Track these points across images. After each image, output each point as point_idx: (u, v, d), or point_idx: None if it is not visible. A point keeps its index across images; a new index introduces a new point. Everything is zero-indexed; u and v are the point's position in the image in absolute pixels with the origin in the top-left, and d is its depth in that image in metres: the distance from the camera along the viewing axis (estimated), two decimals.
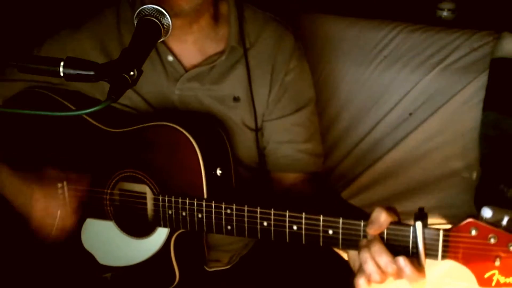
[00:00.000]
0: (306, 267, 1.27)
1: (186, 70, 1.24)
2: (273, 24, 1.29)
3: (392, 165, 1.78)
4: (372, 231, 0.94)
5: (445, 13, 2.23)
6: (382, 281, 0.93)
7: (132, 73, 0.89)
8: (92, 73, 0.88)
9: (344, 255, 1.19)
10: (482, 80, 1.74)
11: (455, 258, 0.91)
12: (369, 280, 0.93)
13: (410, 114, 1.82)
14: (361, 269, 0.94)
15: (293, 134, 1.28)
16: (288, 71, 1.27)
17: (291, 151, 1.28)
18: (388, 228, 0.94)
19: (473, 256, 0.90)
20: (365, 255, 0.93)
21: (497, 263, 0.88)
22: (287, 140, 1.28)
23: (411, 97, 1.83)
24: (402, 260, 0.90)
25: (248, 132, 1.27)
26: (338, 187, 1.80)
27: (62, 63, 0.88)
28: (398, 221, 0.95)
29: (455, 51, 1.82)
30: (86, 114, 1.19)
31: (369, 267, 0.93)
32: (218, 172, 1.14)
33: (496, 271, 0.89)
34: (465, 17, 2.20)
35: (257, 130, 1.27)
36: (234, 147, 1.25)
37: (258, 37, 1.26)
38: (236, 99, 1.25)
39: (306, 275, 1.25)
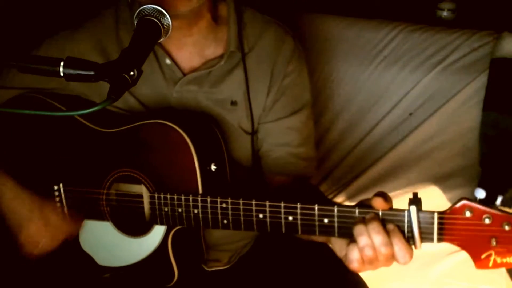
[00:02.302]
0: (305, 267, 1.27)
1: (184, 73, 1.23)
2: (272, 27, 1.28)
3: (392, 165, 1.78)
4: (379, 201, 0.94)
5: (445, 13, 2.23)
6: (373, 260, 0.92)
7: (132, 73, 0.89)
8: (92, 73, 0.88)
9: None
10: (482, 80, 1.74)
11: (451, 240, 0.92)
12: (362, 257, 0.93)
13: (410, 114, 1.82)
14: (353, 243, 0.94)
15: (287, 137, 1.28)
16: (287, 74, 1.26)
17: (284, 154, 1.28)
18: (383, 213, 0.94)
19: (469, 238, 0.90)
20: (361, 228, 0.93)
21: (493, 243, 0.89)
22: (281, 143, 1.28)
23: (411, 97, 1.83)
24: (399, 243, 0.92)
25: (245, 135, 1.27)
26: (338, 187, 1.80)
27: (62, 63, 0.88)
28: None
29: (455, 51, 1.82)
30: (80, 115, 1.20)
31: (364, 240, 0.92)
32: (213, 167, 1.14)
33: (492, 252, 0.90)
34: (465, 17, 2.21)
35: (253, 134, 1.27)
36: (231, 149, 1.25)
37: (257, 40, 1.26)
38: (233, 103, 1.25)
39: (305, 274, 1.25)
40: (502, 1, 2.10)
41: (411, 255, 0.93)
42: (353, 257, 0.93)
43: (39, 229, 1.18)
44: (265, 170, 1.31)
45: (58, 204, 1.23)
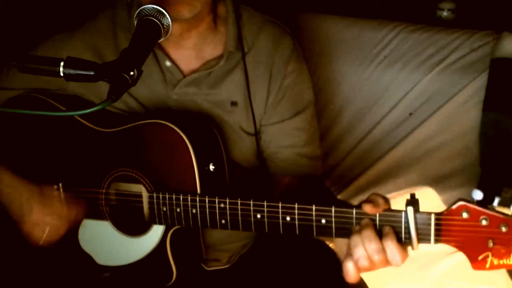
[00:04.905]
0: (305, 267, 1.27)
1: (184, 75, 1.23)
2: (270, 27, 1.27)
3: (392, 165, 1.78)
4: (369, 207, 0.94)
5: (445, 13, 2.24)
6: (369, 268, 0.94)
7: (132, 73, 0.89)
8: (92, 73, 0.88)
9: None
10: (482, 80, 1.74)
11: (448, 241, 0.92)
12: (357, 266, 0.93)
13: (410, 114, 1.82)
14: (350, 253, 0.95)
15: (293, 138, 1.28)
16: (287, 74, 1.26)
17: (290, 155, 1.28)
18: (380, 215, 0.95)
19: (466, 239, 0.90)
20: (356, 239, 0.94)
21: (490, 244, 0.89)
22: (287, 145, 1.27)
23: (411, 97, 1.84)
24: (391, 246, 0.92)
25: (245, 136, 1.27)
26: (338, 187, 1.80)
27: (62, 63, 0.88)
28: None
29: (455, 51, 1.82)
30: (79, 115, 1.20)
31: (358, 251, 0.93)
32: (211, 167, 1.14)
33: (489, 253, 0.90)
34: (465, 17, 2.21)
35: (256, 135, 1.27)
36: (231, 150, 1.24)
37: (255, 40, 1.25)
38: (233, 103, 1.24)
39: (305, 274, 1.25)
40: (502, 1, 2.10)
41: (403, 258, 0.93)
42: (349, 270, 0.94)
43: (41, 215, 1.17)
44: (272, 172, 1.30)
45: (56, 192, 1.23)
